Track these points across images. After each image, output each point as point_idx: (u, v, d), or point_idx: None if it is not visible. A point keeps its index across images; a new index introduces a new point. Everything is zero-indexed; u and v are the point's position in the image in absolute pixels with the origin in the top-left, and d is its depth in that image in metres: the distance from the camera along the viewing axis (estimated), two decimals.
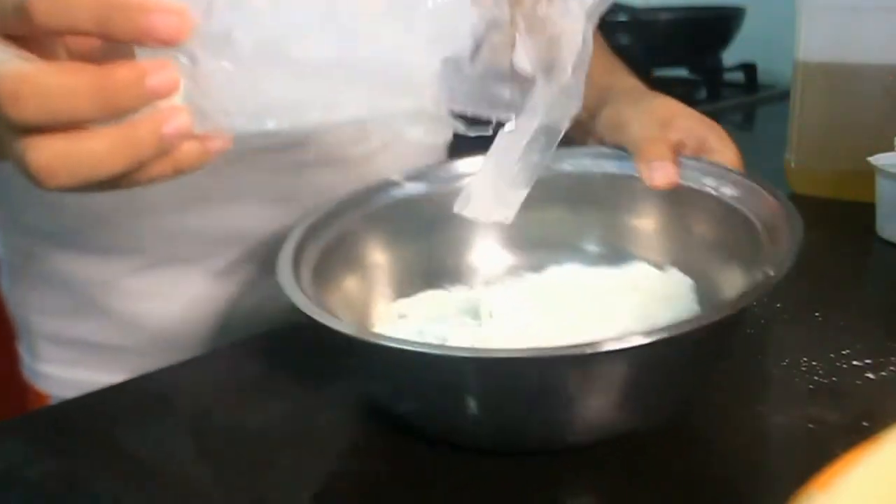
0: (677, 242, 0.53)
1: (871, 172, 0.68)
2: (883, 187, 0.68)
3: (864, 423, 0.42)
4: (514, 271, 0.56)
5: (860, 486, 0.23)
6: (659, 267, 0.53)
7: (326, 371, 0.50)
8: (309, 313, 0.40)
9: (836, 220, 0.73)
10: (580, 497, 0.40)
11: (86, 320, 0.63)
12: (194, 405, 0.50)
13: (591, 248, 0.56)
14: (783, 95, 0.84)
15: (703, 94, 1.27)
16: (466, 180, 0.54)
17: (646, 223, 0.55)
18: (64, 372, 0.65)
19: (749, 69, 1.30)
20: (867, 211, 0.69)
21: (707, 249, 0.51)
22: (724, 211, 0.49)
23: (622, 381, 0.38)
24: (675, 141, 0.54)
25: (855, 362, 0.48)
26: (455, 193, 0.53)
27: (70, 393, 0.62)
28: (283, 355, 0.54)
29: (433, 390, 0.40)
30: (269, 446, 0.44)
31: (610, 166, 0.55)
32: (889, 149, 0.69)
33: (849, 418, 0.43)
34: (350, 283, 0.51)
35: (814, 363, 0.48)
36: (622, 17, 1.28)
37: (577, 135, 0.64)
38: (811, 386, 0.46)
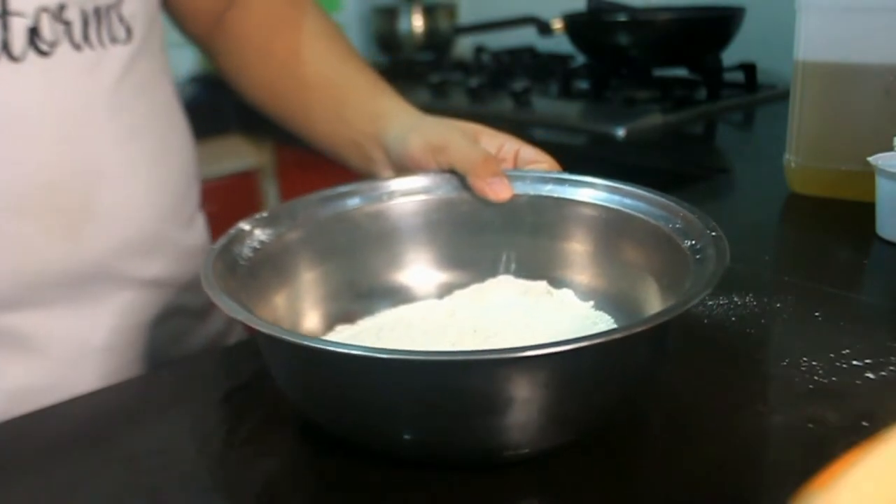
0: (606, 267, 0.53)
1: (871, 172, 0.68)
2: (883, 187, 0.68)
3: (864, 423, 0.42)
4: (442, 291, 0.55)
5: (860, 486, 0.23)
6: (584, 294, 0.53)
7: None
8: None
9: (836, 220, 0.73)
10: (582, 500, 0.40)
11: None
12: (195, 408, 0.50)
13: (521, 272, 0.55)
14: (783, 95, 0.84)
15: (702, 94, 1.27)
16: (400, 198, 0.55)
17: (575, 246, 0.54)
18: None
19: (749, 69, 1.30)
20: (867, 211, 0.69)
21: (637, 274, 0.50)
22: (654, 235, 0.49)
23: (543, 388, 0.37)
24: (495, 155, 0.57)
25: (855, 362, 0.48)
26: (387, 211, 0.55)
27: None
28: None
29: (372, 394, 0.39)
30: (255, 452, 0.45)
31: (535, 189, 0.55)
32: (889, 149, 0.69)
33: (849, 418, 0.43)
34: (279, 300, 0.49)
35: (814, 363, 0.48)
36: (622, 17, 1.27)
37: (362, 164, 0.66)
38: (811, 386, 0.46)
